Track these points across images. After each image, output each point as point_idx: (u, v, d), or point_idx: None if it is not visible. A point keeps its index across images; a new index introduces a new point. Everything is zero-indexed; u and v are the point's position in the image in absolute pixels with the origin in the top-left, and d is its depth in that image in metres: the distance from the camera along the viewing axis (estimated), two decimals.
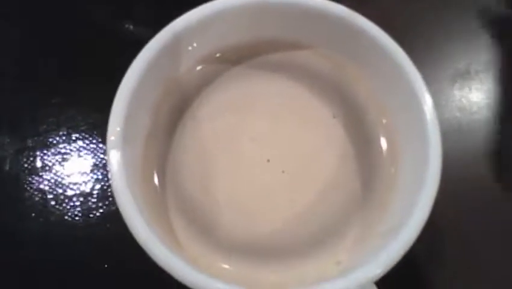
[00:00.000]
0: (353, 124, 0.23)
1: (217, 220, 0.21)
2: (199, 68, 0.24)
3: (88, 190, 0.27)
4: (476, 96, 0.31)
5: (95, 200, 0.27)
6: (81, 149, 0.28)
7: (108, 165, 0.18)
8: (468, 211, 0.27)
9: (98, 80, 0.29)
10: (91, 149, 0.28)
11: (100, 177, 0.27)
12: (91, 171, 0.28)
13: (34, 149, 0.28)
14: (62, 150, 0.28)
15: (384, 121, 0.23)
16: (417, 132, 0.20)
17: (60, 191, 0.27)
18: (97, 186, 0.27)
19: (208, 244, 0.20)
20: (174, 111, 0.23)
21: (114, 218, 0.26)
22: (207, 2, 0.21)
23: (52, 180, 0.27)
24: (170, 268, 0.17)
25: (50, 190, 0.27)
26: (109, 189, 0.27)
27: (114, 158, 0.18)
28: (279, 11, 0.22)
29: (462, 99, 0.30)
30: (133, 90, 0.19)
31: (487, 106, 0.30)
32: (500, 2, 0.33)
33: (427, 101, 0.20)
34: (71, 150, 0.28)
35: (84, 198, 0.27)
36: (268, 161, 0.22)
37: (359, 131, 0.23)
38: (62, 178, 0.27)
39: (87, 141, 0.28)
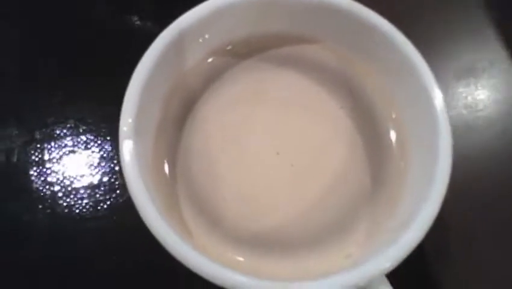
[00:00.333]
0: (362, 118, 0.23)
1: (226, 211, 0.21)
2: (209, 60, 0.24)
3: (95, 182, 0.27)
4: (482, 93, 0.31)
5: (102, 192, 0.27)
6: (89, 141, 0.28)
7: (120, 155, 0.18)
8: (476, 207, 0.27)
9: (106, 73, 0.29)
10: (99, 142, 0.28)
11: (107, 169, 0.27)
12: (99, 163, 0.28)
13: (42, 141, 0.28)
14: (70, 143, 0.28)
15: (394, 115, 0.23)
16: (426, 126, 0.20)
17: (67, 183, 0.27)
18: (105, 179, 0.27)
19: (217, 234, 0.21)
20: (185, 103, 0.23)
21: (121, 210, 0.26)
22: None
23: (60, 173, 0.27)
24: (183, 257, 0.17)
25: (58, 182, 0.27)
26: (116, 182, 0.27)
27: (127, 148, 0.18)
28: (287, 5, 0.23)
29: (468, 97, 0.30)
30: (144, 82, 0.20)
31: (493, 103, 0.30)
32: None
33: (437, 95, 0.20)
34: (78, 142, 0.28)
35: (92, 190, 0.27)
36: (277, 153, 0.22)
37: (368, 125, 0.23)
38: (70, 170, 0.27)
39: (95, 134, 0.28)
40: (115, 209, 0.27)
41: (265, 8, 0.22)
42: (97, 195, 0.27)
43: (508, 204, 0.28)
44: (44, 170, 0.27)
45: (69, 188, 0.27)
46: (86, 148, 0.28)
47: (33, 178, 0.27)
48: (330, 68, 0.24)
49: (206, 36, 0.22)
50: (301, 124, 0.23)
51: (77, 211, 0.26)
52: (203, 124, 0.23)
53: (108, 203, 0.27)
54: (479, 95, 0.31)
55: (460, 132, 0.29)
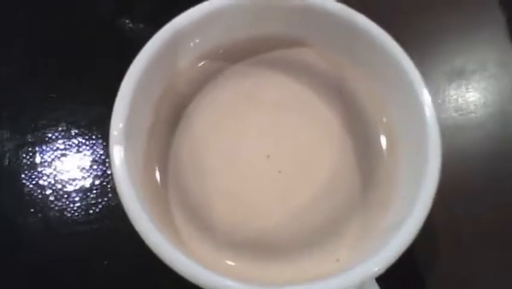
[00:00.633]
0: (352, 122, 0.23)
1: (218, 216, 0.21)
2: (201, 64, 0.24)
3: (87, 186, 0.27)
4: (473, 96, 0.31)
5: (94, 195, 0.27)
6: (81, 144, 0.28)
7: (110, 161, 0.18)
8: (466, 209, 0.27)
9: (98, 76, 0.29)
10: (91, 145, 0.28)
11: (99, 173, 0.27)
12: (91, 167, 0.28)
13: (34, 144, 0.28)
14: (62, 146, 0.28)
15: (384, 119, 0.23)
16: (416, 130, 0.20)
17: (59, 186, 0.27)
18: (97, 182, 0.27)
19: (208, 239, 0.21)
20: (176, 107, 0.23)
21: (113, 214, 0.26)
22: None
23: (51, 176, 0.27)
24: (174, 264, 0.17)
25: (50, 186, 0.27)
26: (109, 185, 0.27)
27: (117, 153, 0.18)
28: (279, 9, 0.23)
29: (459, 99, 0.31)
30: (135, 86, 0.20)
31: (483, 105, 0.30)
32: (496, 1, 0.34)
33: (427, 100, 0.20)
34: (70, 145, 0.28)
35: (84, 194, 0.27)
36: (268, 156, 0.22)
37: (359, 129, 0.23)
38: (62, 174, 0.27)
39: (87, 137, 0.28)
40: (107, 212, 0.26)
41: (257, 12, 0.22)
42: (89, 199, 0.27)
43: (498, 205, 0.28)
44: (36, 173, 0.27)
45: (61, 192, 0.27)
46: (78, 151, 0.28)
47: (25, 181, 0.27)
48: (322, 72, 0.24)
49: (198, 40, 0.22)
50: (292, 128, 0.23)
51: (69, 214, 0.26)
52: (195, 128, 0.23)
53: (100, 206, 0.27)
54: (470, 97, 0.31)
55: (451, 134, 0.29)
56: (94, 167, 0.28)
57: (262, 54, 0.24)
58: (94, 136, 0.28)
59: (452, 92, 0.31)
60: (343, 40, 0.23)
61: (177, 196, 0.21)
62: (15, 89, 0.29)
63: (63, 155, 0.28)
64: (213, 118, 0.23)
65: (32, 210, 0.26)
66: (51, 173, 0.27)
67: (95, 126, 0.28)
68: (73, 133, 0.28)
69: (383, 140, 0.23)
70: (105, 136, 0.28)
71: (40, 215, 0.26)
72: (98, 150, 0.28)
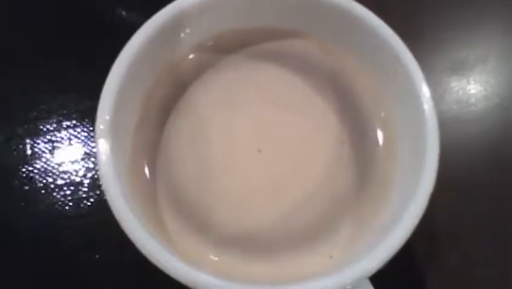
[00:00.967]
0: (349, 116, 0.23)
1: (208, 212, 0.21)
2: (191, 56, 0.23)
3: (78, 179, 0.27)
4: (474, 88, 0.30)
5: (86, 189, 0.26)
6: (72, 137, 0.28)
7: (97, 155, 0.18)
8: (464, 204, 0.27)
9: (89, 68, 0.28)
10: (82, 137, 0.28)
11: (91, 166, 0.27)
12: (82, 159, 0.27)
13: (24, 137, 0.27)
14: (53, 138, 0.28)
15: (382, 114, 0.23)
16: (414, 126, 0.20)
17: (50, 180, 0.27)
18: (89, 175, 0.27)
19: (199, 235, 0.20)
20: (166, 99, 0.22)
21: (105, 207, 0.25)
22: None
23: (42, 169, 0.27)
24: (164, 265, 0.16)
25: (40, 179, 0.27)
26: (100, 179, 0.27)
27: (103, 147, 0.18)
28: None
29: (460, 91, 0.30)
30: (123, 78, 0.19)
31: (484, 98, 0.30)
32: None
33: (425, 92, 0.20)
34: (62, 138, 0.28)
35: (75, 187, 0.26)
36: (259, 151, 0.21)
37: (355, 123, 0.23)
38: (53, 167, 0.27)
39: (78, 129, 0.28)
40: (99, 206, 0.26)
41: (249, 2, 0.22)
42: (81, 192, 0.26)
43: (498, 199, 0.27)
44: (27, 166, 0.27)
45: (52, 185, 0.26)
46: (69, 144, 0.27)
47: (15, 174, 0.27)
48: (318, 64, 0.24)
49: (188, 31, 0.22)
50: (286, 121, 0.22)
51: (60, 208, 0.26)
52: (185, 121, 0.22)
53: (92, 200, 0.26)
54: (471, 90, 0.30)
55: (451, 126, 0.29)
56: (86, 159, 0.27)
57: (255, 45, 0.24)
58: (85, 129, 0.28)
59: (453, 84, 0.30)
60: (340, 31, 0.22)
61: (165, 190, 0.21)
62: (5, 80, 0.29)
63: (54, 147, 0.27)
64: (204, 112, 0.22)
65: (22, 204, 0.26)
66: (42, 166, 0.27)
67: (87, 118, 0.28)
68: (64, 126, 0.28)
69: (380, 135, 0.22)
70: None
71: (30, 208, 0.26)
72: (89, 142, 0.27)
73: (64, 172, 0.27)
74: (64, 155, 0.27)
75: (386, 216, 0.20)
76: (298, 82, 0.23)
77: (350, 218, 0.21)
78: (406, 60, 0.20)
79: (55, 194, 0.26)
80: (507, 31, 0.32)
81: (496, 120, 0.30)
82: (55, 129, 0.28)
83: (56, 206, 0.26)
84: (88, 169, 0.27)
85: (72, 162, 0.27)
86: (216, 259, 0.20)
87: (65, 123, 0.28)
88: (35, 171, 0.27)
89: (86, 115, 0.28)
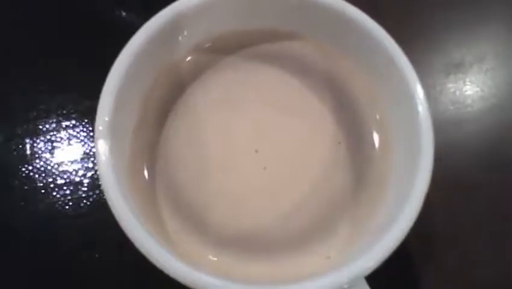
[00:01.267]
0: (345, 118, 0.23)
1: (207, 212, 0.21)
2: (189, 58, 0.23)
3: (78, 179, 0.27)
4: (470, 89, 0.30)
5: (85, 188, 0.27)
6: (71, 137, 0.28)
7: (96, 156, 0.18)
8: (462, 204, 0.27)
9: (89, 68, 0.28)
10: (82, 137, 0.28)
11: (90, 166, 0.27)
12: (82, 159, 0.27)
13: (24, 137, 0.28)
14: (53, 138, 0.28)
15: (377, 116, 0.23)
16: (409, 126, 0.20)
17: (50, 179, 0.27)
18: (88, 175, 0.27)
19: (198, 235, 0.20)
20: (165, 100, 0.22)
21: (104, 207, 0.26)
22: None
23: (42, 169, 0.27)
24: (162, 264, 0.17)
25: (40, 179, 0.27)
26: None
27: (102, 148, 0.18)
28: (270, 2, 0.22)
29: (456, 92, 0.30)
30: (122, 79, 0.19)
31: (480, 99, 0.30)
32: None
33: (420, 94, 0.20)
34: (61, 138, 0.28)
35: (74, 187, 0.27)
36: (256, 151, 0.22)
37: (351, 125, 0.23)
38: (52, 166, 0.27)
39: (78, 129, 0.28)
40: (98, 205, 0.26)
41: (247, 4, 0.22)
42: (80, 192, 0.27)
43: (496, 200, 0.28)
44: (26, 165, 0.27)
45: (51, 185, 0.27)
46: (69, 144, 0.28)
47: (14, 174, 0.27)
48: (314, 66, 0.24)
49: (186, 33, 0.22)
50: (282, 122, 0.23)
51: (59, 207, 0.26)
52: (184, 123, 0.22)
53: (91, 199, 0.26)
54: (467, 91, 0.30)
55: (447, 127, 0.29)
56: (85, 159, 0.27)
57: (252, 47, 0.24)
58: (85, 129, 0.28)
59: (450, 85, 0.31)
60: (335, 33, 0.22)
61: (164, 190, 0.21)
62: (5, 80, 0.29)
63: (54, 147, 0.27)
64: (202, 113, 0.22)
65: (22, 203, 0.26)
66: (41, 166, 0.27)
67: (86, 118, 0.28)
68: (64, 126, 0.28)
69: (376, 137, 0.23)
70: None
71: (30, 208, 0.26)
72: (89, 142, 0.28)
73: (64, 172, 0.27)
74: (63, 155, 0.27)
75: (382, 217, 0.20)
76: (295, 84, 0.23)
77: (347, 219, 0.21)
78: (401, 62, 0.20)
79: (54, 193, 0.26)
80: (503, 31, 0.32)
81: (492, 121, 0.30)
82: (55, 129, 0.28)
83: (56, 206, 0.26)
84: (87, 169, 0.27)
85: (72, 162, 0.27)
86: (215, 259, 0.20)
87: (64, 123, 0.28)
88: (35, 171, 0.27)
89: (85, 115, 0.28)
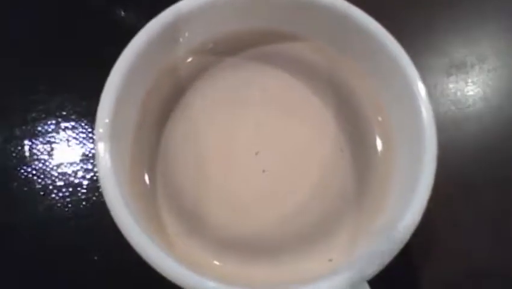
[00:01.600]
0: (347, 120, 0.23)
1: (207, 216, 0.21)
2: (190, 59, 0.23)
3: (77, 181, 0.27)
4: (472, 90, 0.30)
5: (84, 190, 0.26)
6: (70, 138, 0.28)
7: (96, 159, 0.18)
8: (461, 204, 0.27)
9: (88, 69, 0.28)
10: (81, 139, 0.28)
11: (89, 167, 0.27)
12: (81, 161, 0.27)
13: (22, 138, 0.27)
14: (51, 140, 0.27)
15: (380, 118, 0.23)
16: (411, 128, 0.20)
17: (49, 181, 0.27)
18: (87, 177, 0.27)
19: (199, 238, 0.20)
20: (165, 102, 0.22)
21: (103, 209, 0.26)
22: None
23: (41, 170, 0.27)
24: (163, 269, 0.16)
25: (39, 180, 0.27)
26: (98, 181, 0.27)
27: (102, 150, 0.18)
28: (271, 2, 0.22)
29: (458, 92, 0.30)
30: (123, 80, 0.19)
31: (482, 99, 0.30)
32: None
33: (422, 96, 0.20)
34: (60, 139, 0.28)
35: (73, 188, 0.26)
36: (256, 154, 0.21)
37: (353, 127, 0.23)
38: (51, 168, 0.27)
39: (77, 131, 0.28)
40: (97, 207, 0.26)
41: (248, 5, 0.22)
42: (79, 194, 0.26)
43: (497, 199, 0.27)
44: (25, 167, 0.27)
45: (50, 186, 0.26)
46: (68, 145, 0.27)
47: (13, 176, 0.27)
48: (316, 68, 0.24)
49: (187, 34, 0.22)
50: (283, 124, 0.22)
51: (58, 209, 0.26)
52: (184, 124, 0.22)
53: (91, 202, 0.26)
54: (469, 91, 0.30)
55: (449, 127, 0.29)
56: (85, 161, 0.27)
57: (253, 49, 0.24)
58: (84, 130, 0.28)
59: (451, 86, 0.30)
60: (338, 34, 0.22)
61: (164, 193, 0.21)
62: (3, 81, 0.29)
63: (53, 148, 0.27)
64: (203, 115, 0.22)
65: (21, 205, 0.26)
66: (40, 168, 0.27)
67: (85, 120, 0.28)
68: (62, 127, 0.28)
69: (378, 140, 0.23)
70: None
71: (29, 210, 0.26)
72: (88, 144, 0.27)
73: (63, 173, 0.27)
74: (62, 156, 0.27)
75: (385, 219, 0.20)
76: (297, 85, 0.23)
77: (349, 223, 0.21)
78: (403, 63, 0.20)
79: (53, 195, 0.26)
80: (505, 31, 0.32)
81: (494, 121, 0.30)
82: (54, 130, 0.28)
83: (55, 208, 0.26)
84: (87, 170, 0.27)
85: (71, 164, 0.27)
86: (216, 262, 0.20)
87: (63, 124, 0.28)
88: (34, 172, 0.27)
89: (84, 117, 0.28)
